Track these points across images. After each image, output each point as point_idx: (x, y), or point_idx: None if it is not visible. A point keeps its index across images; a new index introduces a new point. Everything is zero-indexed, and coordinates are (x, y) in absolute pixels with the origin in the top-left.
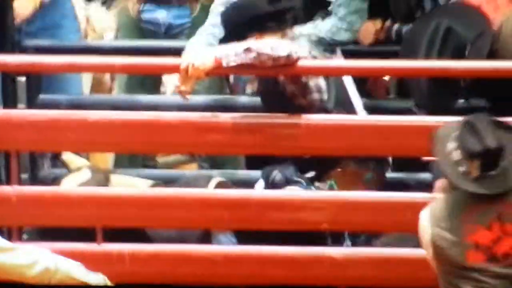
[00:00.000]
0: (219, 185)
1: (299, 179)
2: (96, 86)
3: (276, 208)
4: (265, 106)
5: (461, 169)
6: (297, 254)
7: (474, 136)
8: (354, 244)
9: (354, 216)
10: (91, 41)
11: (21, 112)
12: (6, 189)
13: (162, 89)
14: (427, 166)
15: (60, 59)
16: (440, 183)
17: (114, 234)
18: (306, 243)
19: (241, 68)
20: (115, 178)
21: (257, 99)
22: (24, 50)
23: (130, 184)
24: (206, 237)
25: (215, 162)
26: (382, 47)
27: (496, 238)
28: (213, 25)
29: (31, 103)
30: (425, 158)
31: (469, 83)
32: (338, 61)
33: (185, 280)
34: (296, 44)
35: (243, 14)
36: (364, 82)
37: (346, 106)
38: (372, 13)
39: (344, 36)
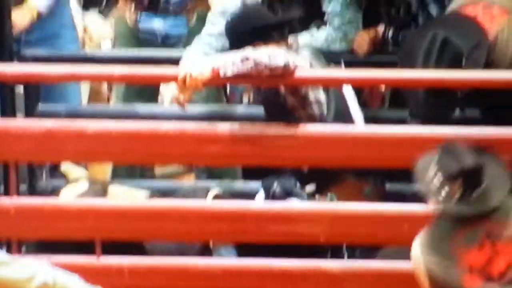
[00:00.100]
0: (217, 197)
1: (300, 192)
2: (94, 96)
3: (274, 220)
4: (266, 116)
5: (444, 192)
6: (296, 268)
7: (452, 158)
8: (351, 257)
9: (352, 228)
10: (89, 50)
11: (20, 122)
12: (5, 201)
13: (159, 98)
14: None
15: (59, 69)
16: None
17: (113, 247)
18: (305, 256)
19: (238, 78)
20: (113, 189)
21: (254, 109)
22: (22, 60)
23: (128, 195)
24: (205, 250)
25: (212, 173)
26: (377, 58)
27: (488, 258)
28: (209, 35)
29: (30, 113)
30: None
31: (466, 94)
32: (335, 71)
33: None
34: (298, 55)
35: (248, 24)
36: (359, 92)
37: (346, 119)
38: (366, 23)
39: (339, 45)
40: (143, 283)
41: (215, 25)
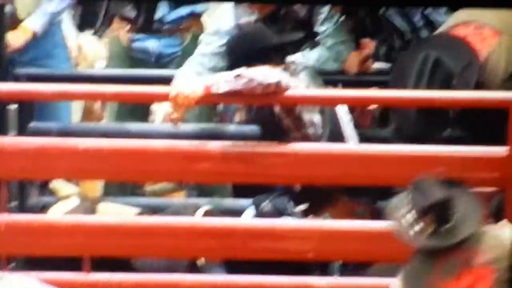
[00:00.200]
0: (207, 214)
1: (292, 211)
2: (87, 115)
3: (263, 237)
4: (262, 137)
5: (417, 228)
6: (284, 284)
7: (421, 194)
8: (342, 274)
9: (340, 245)
10: (83, 69)
11: (12, 140)
12: None
13: (151, 117)
14: None
15: (53, 87)
16: None
17: (102, 264)
18: (294, 273)
19: (230, 96)
20: (103, 206)
21: (246, 128)
22: (17, 79)
23: (118, 212)
24: (193, 267)
25: (202, 190)
26: (367, 77)
27: (469, 285)
28: (202, 55)
29: (22, 131)
30: None
31: (458, 114)
32: (328, 90)
33: None
34: (296, 77)
35: (249, 45)
36: (350, 111)
37: (340, 141)
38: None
39: (332, 65)
40: None
41: (208, 45)
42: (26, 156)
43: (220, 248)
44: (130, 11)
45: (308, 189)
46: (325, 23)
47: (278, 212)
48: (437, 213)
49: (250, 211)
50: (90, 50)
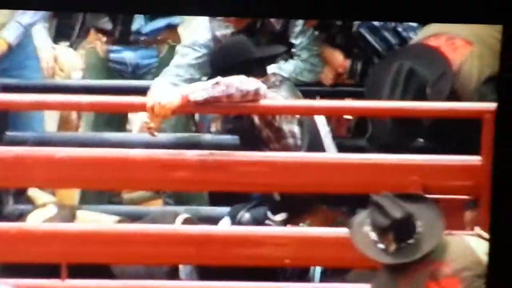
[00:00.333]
0: (186, 222)
1: (270, 220)
2: (63, 125)
3: (242, 244)
4: (240, 147)
5: (380, 246)
6: None
7: (381, 213)
8: (320, 280)
9: (317, 251)
10: (58, 80)
11: None
12: None
13: (128, 127)
14: None
15: (28, 97)
16: None
17: (82, 270)
18: (271, 279)
19: (207, 105)
20: (81, 214)
21: (222, 137)
22: None
23: (96, 220)
24: (173, 273)
25: (180, 198)
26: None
27: None
28: (177, 66)
29: None
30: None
31: (432, 123)
32: (304, 100)
33: None
34: (277, 89)
35: (231, 57)
36: (327, 121)
37: (319, 151)
38: None
39: (307, 76)
40: None
41: (184, 56)
42: (2, 165)
43: (198, 255)
44: (106, 23)
45: (287, 198)
46: (300, 36)
47: (257, 222)
48: (398, 232)
49: (226, 221)
50: (67, 60)
